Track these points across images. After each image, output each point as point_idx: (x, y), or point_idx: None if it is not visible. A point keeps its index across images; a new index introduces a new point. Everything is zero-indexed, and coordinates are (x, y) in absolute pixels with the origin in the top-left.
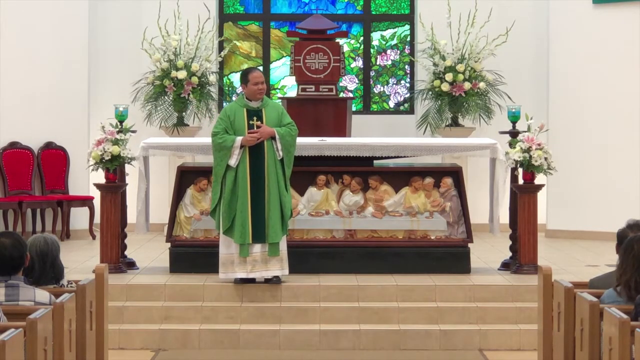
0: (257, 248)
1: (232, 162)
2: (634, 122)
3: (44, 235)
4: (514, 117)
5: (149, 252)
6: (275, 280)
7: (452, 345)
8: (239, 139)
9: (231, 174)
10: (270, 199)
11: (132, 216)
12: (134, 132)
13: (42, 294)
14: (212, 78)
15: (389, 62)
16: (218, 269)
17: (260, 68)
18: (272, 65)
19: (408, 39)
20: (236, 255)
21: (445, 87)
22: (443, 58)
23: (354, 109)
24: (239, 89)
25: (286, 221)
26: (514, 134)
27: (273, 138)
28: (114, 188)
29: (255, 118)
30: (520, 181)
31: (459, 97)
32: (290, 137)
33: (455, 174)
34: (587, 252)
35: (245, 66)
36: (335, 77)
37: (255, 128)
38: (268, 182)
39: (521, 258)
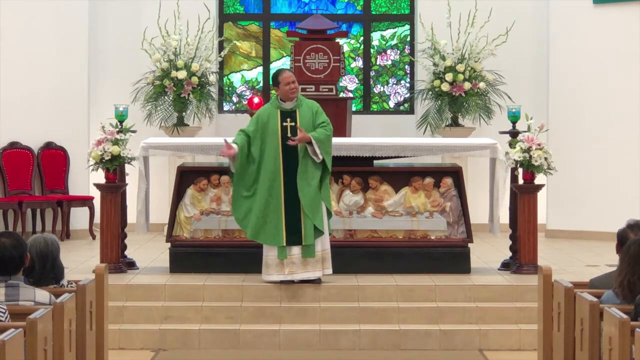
0: (295, 250)
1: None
2: (634, 121)
3: (44, 235)
4: (514, 117)
5: (149, 252)
6: (316, 281)
7: (452, 345)
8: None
9: (265, 179)
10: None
11: (132, 216)
12: (134, 132)
13: (42, 294)
14: (212, 78)
15: (389, 62)
16: (218, 269)
17: (261, 68)
18: (272, 65)
19: (408, 39)
20: (273, 257)
21: (445, 87)
22: (443, 58)
23: (354, 109)
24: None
25: (327, 221)
26: (514, 134)
27: (309, 143)
28: (114, 188)
29: (288, 119)
30: (520, 181)
31: (459, 97)
32: (326, 139)
33: (455, 174)
34: (587, 252)
35: (245, 66)
36: (335, 77)
37: (289, 130)
38: (301, 185)
39: (521, 258)
